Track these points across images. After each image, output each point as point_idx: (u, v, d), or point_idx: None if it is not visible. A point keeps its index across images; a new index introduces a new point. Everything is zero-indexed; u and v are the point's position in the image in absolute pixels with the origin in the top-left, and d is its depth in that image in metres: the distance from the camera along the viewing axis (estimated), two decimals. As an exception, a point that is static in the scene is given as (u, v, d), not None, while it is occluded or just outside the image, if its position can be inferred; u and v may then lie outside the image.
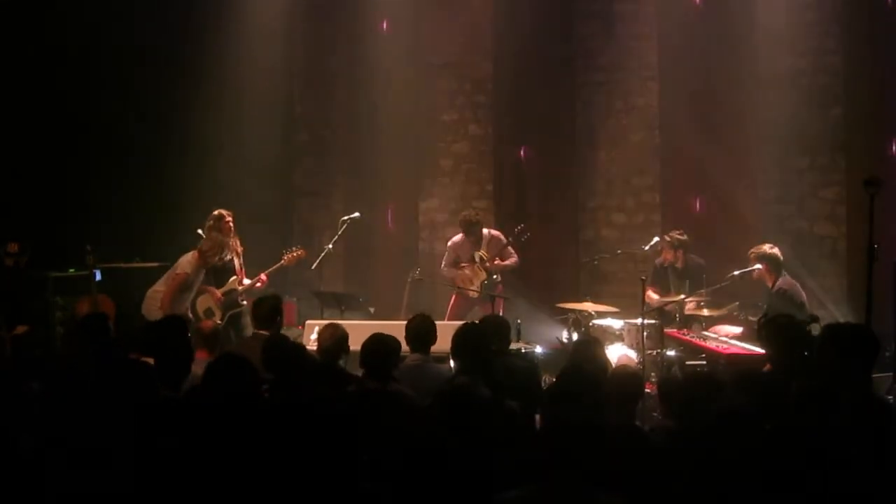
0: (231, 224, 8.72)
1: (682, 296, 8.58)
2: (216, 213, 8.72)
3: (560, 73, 11.00)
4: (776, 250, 8.14)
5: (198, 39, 10.45)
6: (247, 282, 8.75)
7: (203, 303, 8.66)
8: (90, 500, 3.94)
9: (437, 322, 6.28)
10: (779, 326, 5.45)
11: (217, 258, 8.44)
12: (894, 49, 9.93)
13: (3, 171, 9.93)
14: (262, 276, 8.76)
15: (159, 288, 8.39)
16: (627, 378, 4.85)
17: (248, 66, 10.72)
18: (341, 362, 5.92)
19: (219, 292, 8.64)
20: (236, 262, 8.79)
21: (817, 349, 4.47)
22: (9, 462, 4.12)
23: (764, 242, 8.32)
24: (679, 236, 9.01)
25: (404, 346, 5.88)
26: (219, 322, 8.52)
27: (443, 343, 6.02)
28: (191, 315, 8.41)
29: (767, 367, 5.43)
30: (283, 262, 8.85)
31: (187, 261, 8.34)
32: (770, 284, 8.08)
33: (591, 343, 6.02)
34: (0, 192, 9.79)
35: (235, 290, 8.68)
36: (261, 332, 6.53)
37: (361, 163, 11.18)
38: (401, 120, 10.91)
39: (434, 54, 11.00)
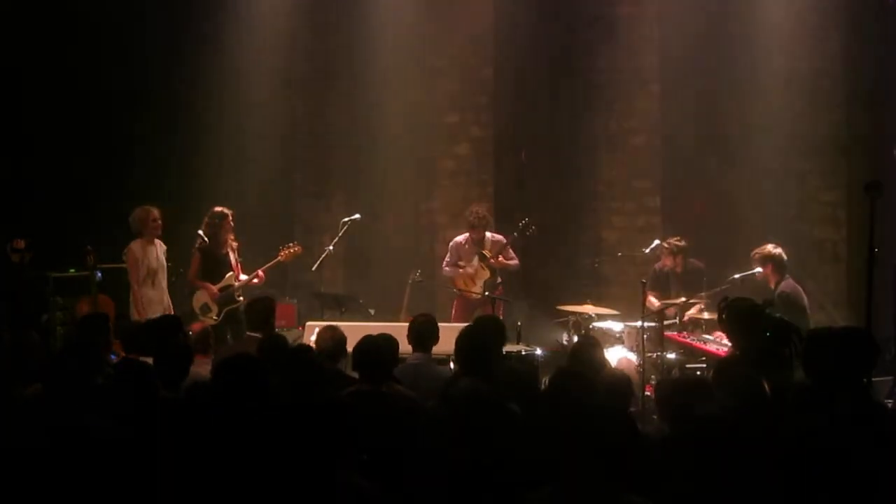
0: (232, 223, 8.77)
1: (682, 299, 8.58)
2: (219, 210, 8.74)
3: (561, 75, 11.00)
4: (780, 251, 8.07)
5: (200, 41, 10.45)
6: (243, 277, 8.78)
7: (199, 299, 8.71)
8: (90, 500, 3.95)
9: (439, 324, 6.30)
10: (737, 309, 5.57)
11: (148, 229, 8.54)
12: (895, 52, 9.93)
13: (5, 171, 9.95)
14: (260, 273, 8.79)
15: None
16: (615, 381, 4.86)
17: (249, 67, 10.72)
18: (340, 365, 5.93)
19: (215, 288, 8.66)
20: (232, 257, 8.81)
21: (815, 352, 4.46)
22: (9, 463, 4.12)
23: (767, 243, 8.27)
24: (677, 242, 8.99)
25: (405, 347, 5.90)
26: (215, 318, 8.54)
27: (445, 345, 6.04)
28: (169, 302, 8.63)
29: (732, 351, 5.51)
30: (279, 257, 8.88)
31: (129, 247, 8.54)
32: (773, 286, 8.03)
33: (589, 345, 6.03)
34: (2, 192, 9.81)
35: (232, 285, 8.71)
36: (253, 334, 6.56)
37: (362, 164, 11.17)
38: (402, 122, 10.90)
39: (435, 56, 11.00)
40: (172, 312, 8.49)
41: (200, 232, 8.82)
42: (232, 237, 8.83)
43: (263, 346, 5.76)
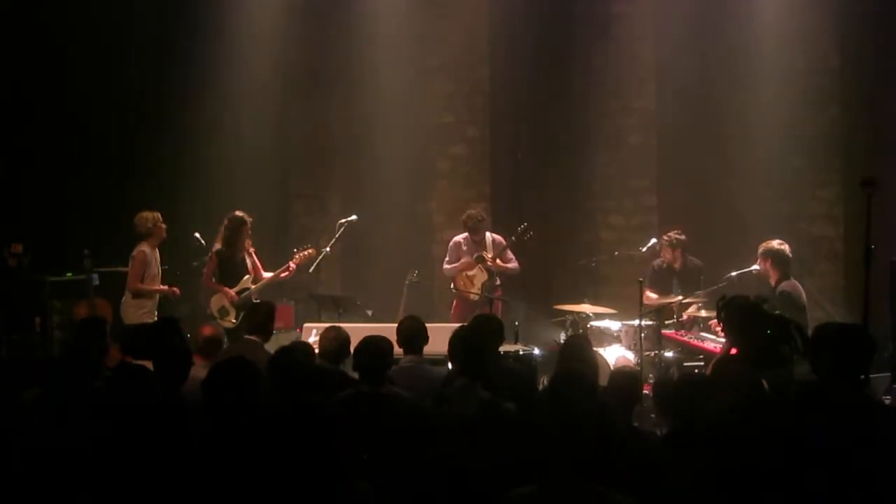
0: (249, 230, 8.74)
1: (680, 297, 8.58)
2: (239, 215, 8.68)
3: (557, 74, 11.00)
4: (784, 248, 7.92)
5: (194, 42, 10.46)
6: (268, 275, 8.71)
7: (217, 302, 8.68)
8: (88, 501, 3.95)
9: (436, 325, 6.29)
10: (736, 307, 5.55)
11: (157, 232, 8.48)
12: (891, 49, 9.94)
13: (3, 174, 9.94)
14: (291, 265, 8.72)
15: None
16: (625, 380, 4.86)
17: (244, 69, 10.73)
18: (343, 365, 5.91)
19: (232, 292, 8.64)
20: (248, 261, 8.80)
21: (812, 349, 4.46)
22: (9, 466, 4.13)
23: (774, 238, 8.18)
24: (677, 236, 8.97)
25: (396, 349, 5.88)
26: (233, 321, 8.52)
27: (443, 345, 6.02)
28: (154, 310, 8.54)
29: (733, 350, 5.51)
30: (295, 260, 8.84)
31: (139, 248, 8.44)
32: (773, 283, 7.94)
33: (579, 344, 6.02)
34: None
35: (248, 288, 8.68)
36: (251, 337, 6.55)
37: (359, 165, 11.18)
38: (398, 122, 10.90)
39: (431, 57, 11.00)
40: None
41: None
42: (249, 242, 8.81)
43: (277, 351, 5.68)
